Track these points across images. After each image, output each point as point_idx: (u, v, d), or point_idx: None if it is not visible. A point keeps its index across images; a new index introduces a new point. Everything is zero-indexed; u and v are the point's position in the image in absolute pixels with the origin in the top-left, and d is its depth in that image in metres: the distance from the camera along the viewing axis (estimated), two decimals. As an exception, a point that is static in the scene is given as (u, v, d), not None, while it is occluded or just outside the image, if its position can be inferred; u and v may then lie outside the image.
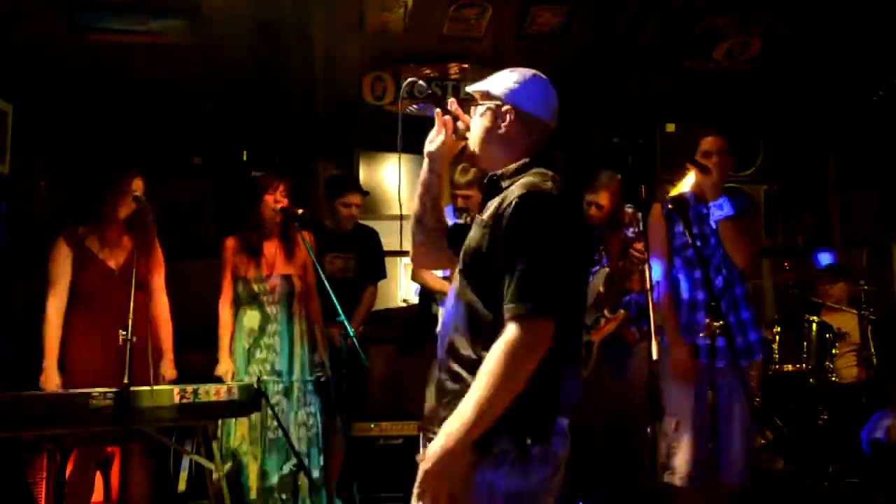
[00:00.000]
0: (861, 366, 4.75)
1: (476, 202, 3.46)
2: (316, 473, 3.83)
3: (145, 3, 4.13)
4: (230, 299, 3.88)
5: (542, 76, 1.98)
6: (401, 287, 6.24)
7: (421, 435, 2.50)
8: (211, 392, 3.02)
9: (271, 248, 3.93)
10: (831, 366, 4.68)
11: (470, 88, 2.01)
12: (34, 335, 3.41)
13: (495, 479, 1.69)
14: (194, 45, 4.39)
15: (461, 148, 2.05)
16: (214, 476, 3.25)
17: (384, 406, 4.66)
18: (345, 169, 5.50)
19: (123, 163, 3.66)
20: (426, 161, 2.08)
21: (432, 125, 2.08)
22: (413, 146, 2.20)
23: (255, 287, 3.86)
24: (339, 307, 3.45)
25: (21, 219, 4.65)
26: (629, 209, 3.99)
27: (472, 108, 1.99)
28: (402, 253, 5.45)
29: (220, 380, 3.69)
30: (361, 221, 4.45)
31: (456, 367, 1.78)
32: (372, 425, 4.43)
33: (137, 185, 3.51)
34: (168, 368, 3.59)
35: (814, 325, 4.72)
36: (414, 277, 4.19)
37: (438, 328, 2.68)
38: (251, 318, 3.85)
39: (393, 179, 6.02)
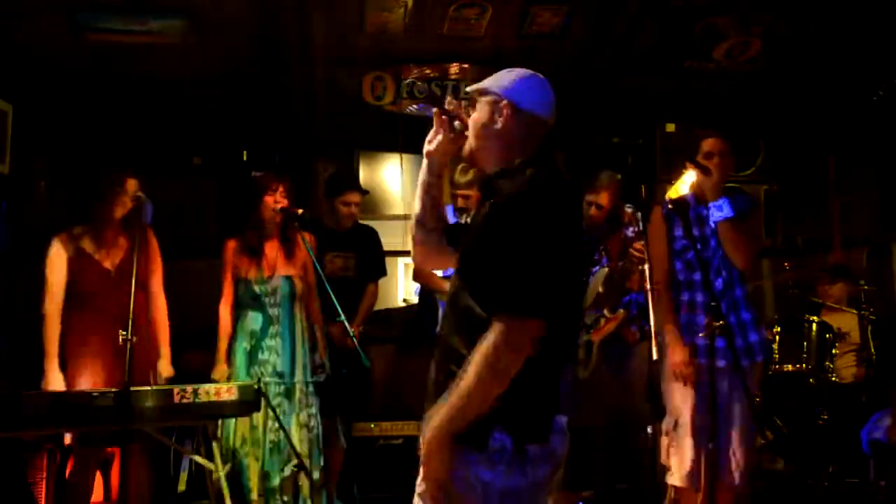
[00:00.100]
0: (861, 366, 4.74)
1: (476, 202, 3.46)
2: (316, 474, 3.82)
3: (145, 3, 4.14)
4: (230, 302, 3.88)
5: (540, 76, 1.98)
6: (401, 287, 6.25)
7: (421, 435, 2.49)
8: (211, 392, 3.02)
9: (272, 249, 3.91)
10: (831, 366, 4.68)
11: (469, 88, 2.02)
12: (34, 335, 3.41)
13: (492, 478, 1.69)
14: (194, 45, 4.39)
15: (460, 147, 2.05)
16: (214, 476, 3.25)
17: (384, 406, 4.65)
18: (345, 169, 5.49)
19: (118, 163, 3.65)
20: (425, 161, 2.09)
21: (431, 125, 2.08)
22: (413, 146, 2.20)
23: (257, 288, 3.85)
24: (339, 307, 3.44)
25: (21, 219, 4.65)
26: (629, 209, 3.99)
27: (471, 107, 1.99)
28: (403, 253, 5.46)
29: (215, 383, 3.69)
30: (362, 221, 4.45)
31: (453, 368, 1.78)
32: (372, 425, 4.42)
33: (132, 185, 3.48)
34: (165, 367, 3.58)
35: (814, 326, 4.71)
36: (415, 277, 4.19)
37: (438, 328, 2.68)
38: (253, 319, 3.84)
39: (393, 179, 6.03)
